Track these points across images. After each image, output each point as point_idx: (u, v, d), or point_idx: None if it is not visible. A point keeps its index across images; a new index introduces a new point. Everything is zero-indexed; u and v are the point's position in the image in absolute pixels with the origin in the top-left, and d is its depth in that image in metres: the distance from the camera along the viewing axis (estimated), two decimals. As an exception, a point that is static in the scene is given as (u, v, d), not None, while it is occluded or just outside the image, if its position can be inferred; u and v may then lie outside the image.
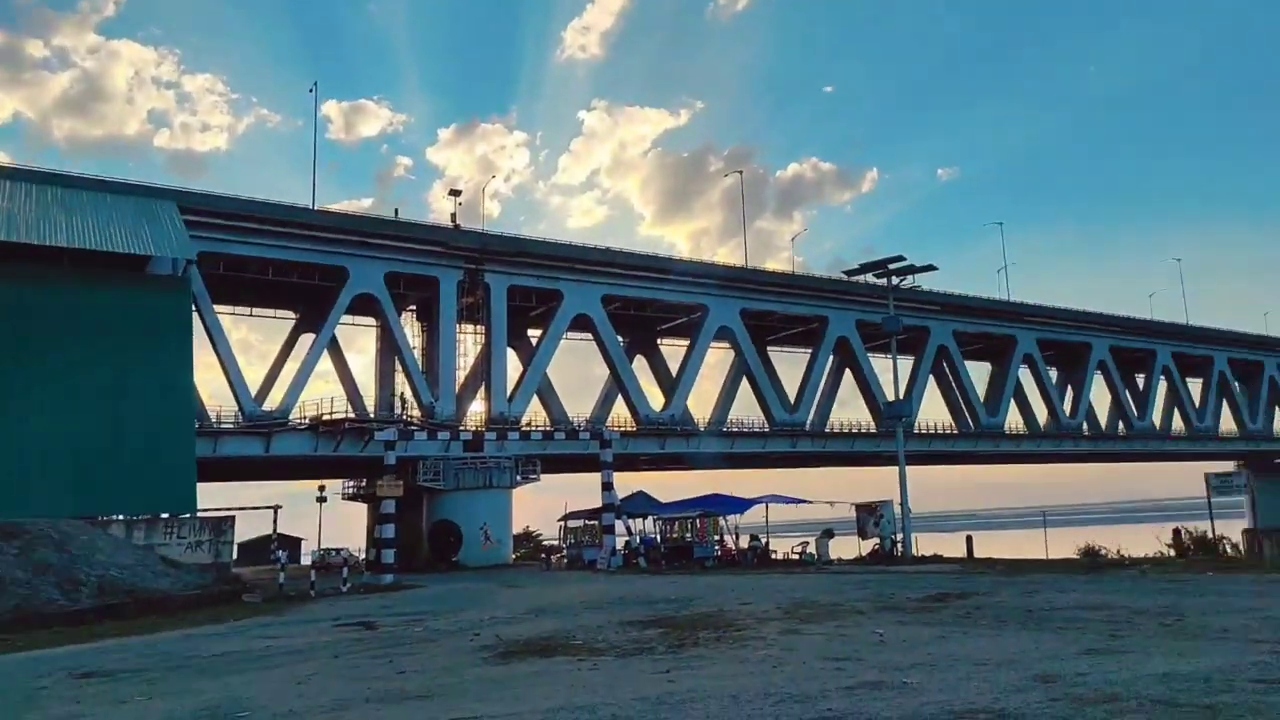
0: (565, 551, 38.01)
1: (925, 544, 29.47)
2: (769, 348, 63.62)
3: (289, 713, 8.22)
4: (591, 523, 35.66)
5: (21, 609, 16.63)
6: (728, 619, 13.12)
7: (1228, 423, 75.57)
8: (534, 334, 55.73)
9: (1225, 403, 75.34)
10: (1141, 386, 72.51)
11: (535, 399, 51.96)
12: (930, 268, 33.21)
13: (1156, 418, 71.85)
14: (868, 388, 60.73)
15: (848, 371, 62.54)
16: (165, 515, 29.50)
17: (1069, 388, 70.66)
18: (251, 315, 52.83)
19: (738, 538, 32.05)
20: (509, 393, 48.49)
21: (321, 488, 49.14)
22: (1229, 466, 79.50)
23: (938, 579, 18.81)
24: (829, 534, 28.83)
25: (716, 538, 31.06)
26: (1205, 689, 6.33)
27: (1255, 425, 74.54)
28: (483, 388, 49.82)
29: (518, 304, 50.78)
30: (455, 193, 53.42)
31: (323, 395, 50.68)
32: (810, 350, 60.88)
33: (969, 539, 27.05)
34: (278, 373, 50.47)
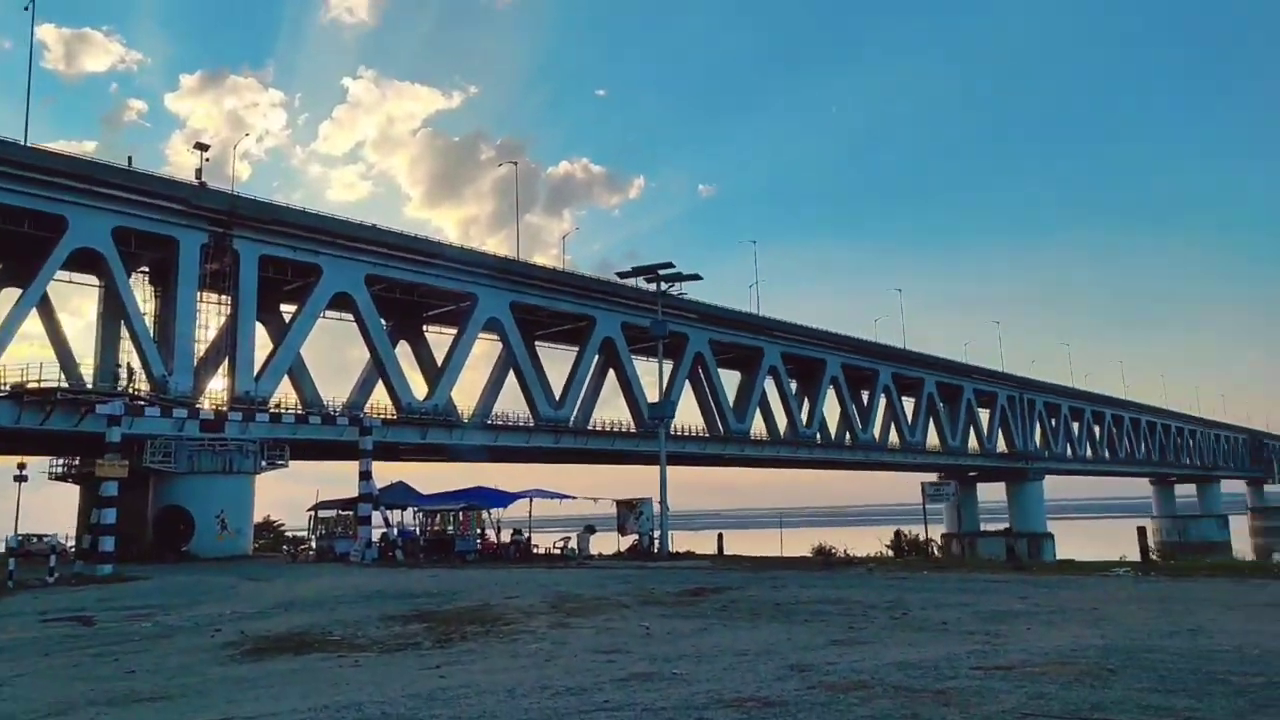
0: (314, 543, 35.80)
1: (679, 541, 30.90)
2: (537, 343, 63.82)
3: (-8, 720, 7.16)
4: (345, 513, 33.92)
5: None
6: (495, 613, 13.02)
7: (933, 438, 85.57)
8: (288, 310, 52.14)
9: (932, 421, 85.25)
10: (866, 402, 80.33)
11: (286, 380, 48.62)
12: (695, 277, 34.86)
13: (876, 431, 79.90)
14: (629, 388, 62.59)
15: (611, 371, 64.16)
16: None
17: (805, 400, 76.91)
18: (-59, 263, 45.17)
19: (499, 531, 31.81)
20: (256, 371, 45.03)
21: (22, 465, 43.06)
22: (932, 477, 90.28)
23: (693, 574, 19.79)
24: (590, 530, 29.41)
25: (479, 531, 30.62)
26: (936, 676, 7.14)
27: (954, 442, 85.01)
28: (226, 363, 45.89)
29: (270, 276, 47.19)
30: (201, 147, 48.44)
31: (29, 359, 44.23)
32: (577, 348, 61.78)
33: (720, 537, 28.70)
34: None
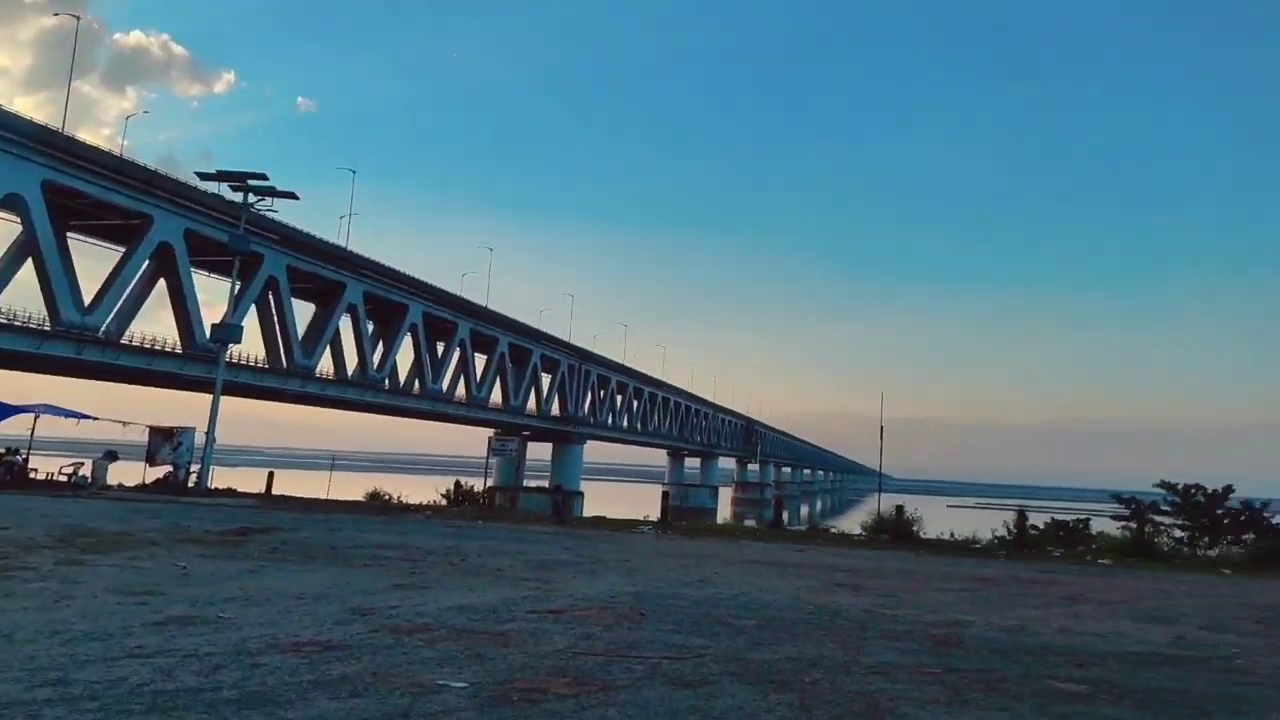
0: None
1: (220, 478, 28.15)
2: (71, 234, 53.84)
3: None
4: None
5: None
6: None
7: (497, 396, 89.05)
8: None
9: (499, 379, 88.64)
10: (441, 353, 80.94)
11: None
12: (291, 195, 32.06)
13: (446, 382, 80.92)
14: (183, 304, 55.72)
15: (163, 281, 56.52)
16: None
17: (380, 343, 75.28)
18: None
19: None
20: None
21: None
22: (491, 432, 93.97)
23: (237, 513, 18.24)
24: (111, 456, 25.44)
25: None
26: (496, 619, 7.53)
27: (516, 401, 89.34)
28: None
29: None
30: None
31: None
32: (124, 248, 53.33)
33: (270, 475, 26.66)
34: None
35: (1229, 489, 23.68)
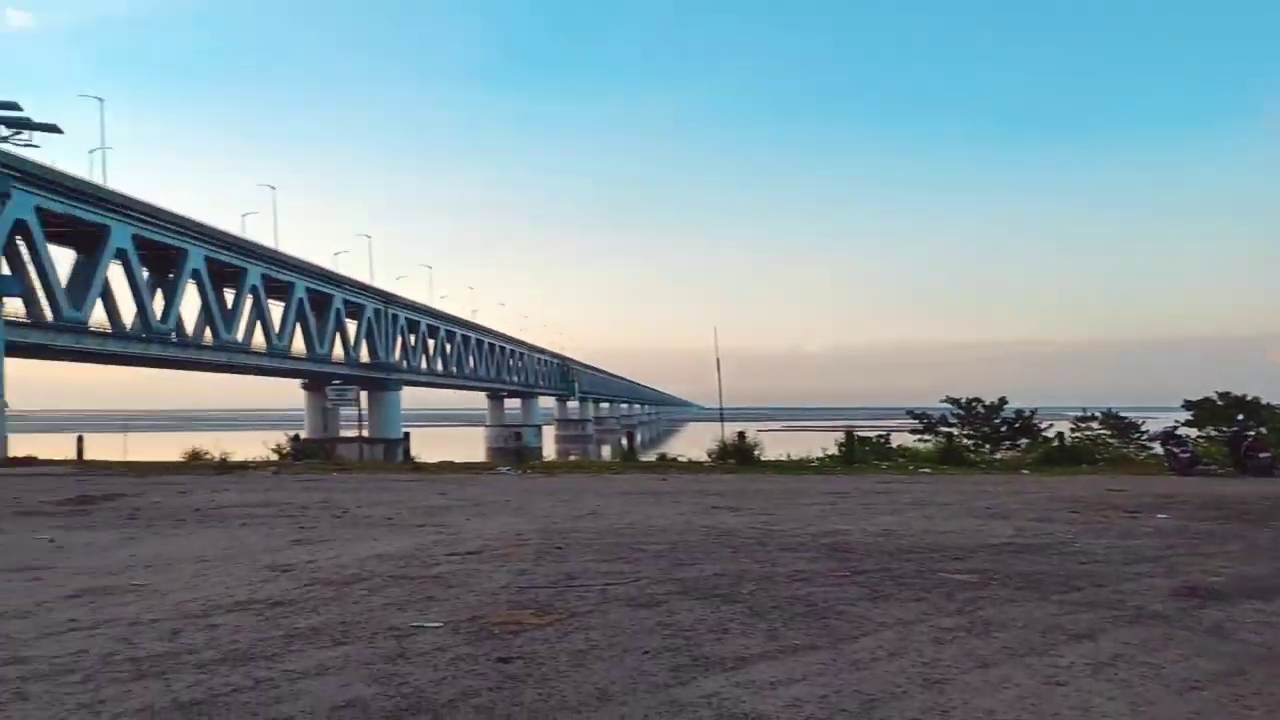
0: None
1: (18, 446, 25.19)
2: None
3: None
4: None
5: None
6: None
7: (299, 344, 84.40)
8: None
9: (299, 326, 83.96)
10: (231, 302, 75.44)
11: None
12: (53, 128, 28.54)
13: (240, 332, 75.69)
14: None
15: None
16: None
17: (160, 292, 69.15)
18: None
19: None
20: None
21: None
22: (297, 383, 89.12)
23: (61, 481, 16.58)
24: None
25: None
26: (422, 564, 7.62)
27: (321, 349, 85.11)
28: None
29: None
30: None
31: None
32: None
33: (80, 439, 24.12)
34: None
35: (1003, 400, 27.11)
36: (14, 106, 26.28)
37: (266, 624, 5.54)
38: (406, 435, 36.29)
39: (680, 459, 24.06)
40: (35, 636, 5.25)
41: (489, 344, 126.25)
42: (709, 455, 22.29)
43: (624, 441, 34.29)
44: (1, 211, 51.75)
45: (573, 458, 68.97)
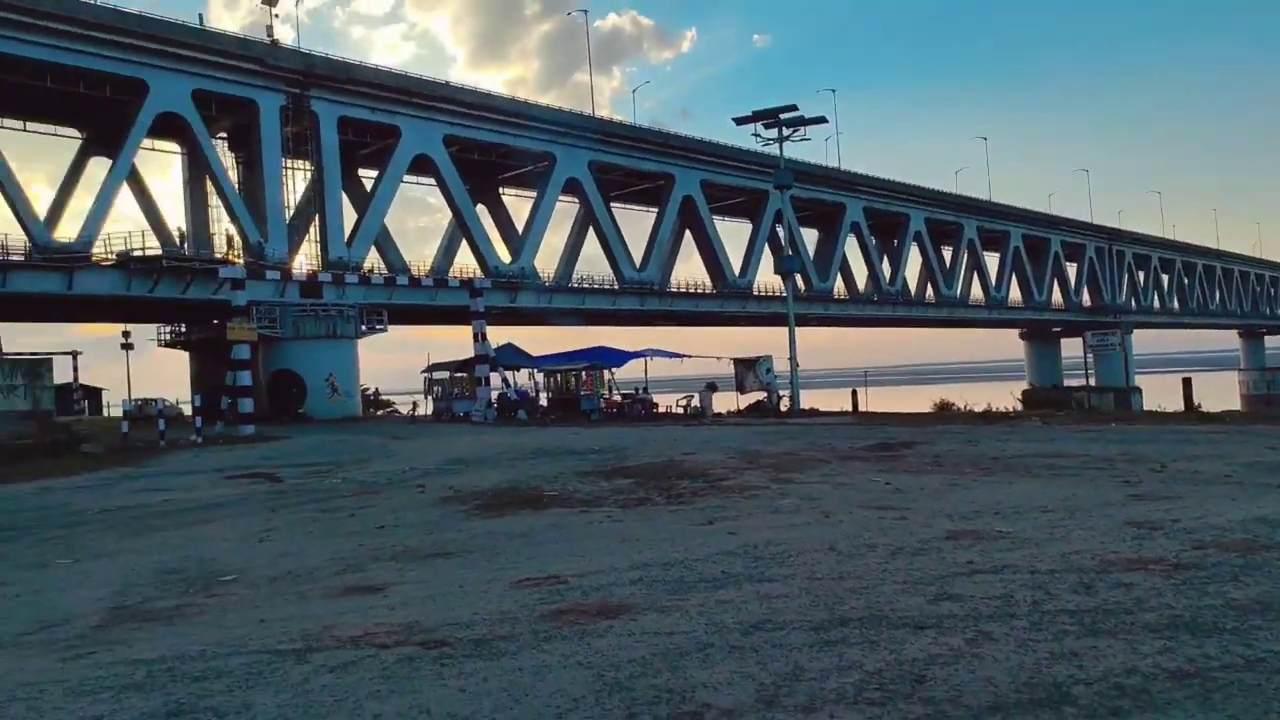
0: (432, 404, 36.16)
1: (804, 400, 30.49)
2: (612, 204, 62.37)
3: (287, 574, 6.87)
4: (459, 375, 34.07)
5: None
6: (694, 469, 12.60)
7: (1015, 293, 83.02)
8: (367, 176, 51.44)
9: (1015, 275, 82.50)
10: (949, 258, 77.83)
11: (369, 245, 48.38)
12: (821, 120, 32.81)
13: (959, 287, 77.70)
14: (709, 248, 61.29)
15: (688, 232, 62.79)
16: (-41, 357, 25.13)
17: (885, 257, 74.91)
18: (26, 130, 44.90)
19: (611, 391, 31.66)
20: (345, 237, 44.74)
21: (126, 334, 44.04)
22: (1014, 334, 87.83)
23: (849, 430, 19.26)
24: (712, 388, 29.03)
25: (604, 391, 30.51)
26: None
27: (1040, 297, 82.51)
28: (313, 229, 45.67)
29: (349, 138, 46.25)
30: (269, 1, 46.56)
31: (123, 228, 44.37)
32: (652, 209, 60.51)
33: (854, 393, 28.10)
34: (66, 200, 43.82)
35: None
36: (791, 109, 30.92)
37: (1188, 588, 5.09)
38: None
39: None
40: (947, 574, 5.70)
41: (1239, 273, 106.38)
42: None
43: None
44: (765, 206, 62.31)
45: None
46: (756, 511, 8.81)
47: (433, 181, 51.13)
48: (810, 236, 70.23)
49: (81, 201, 42.05)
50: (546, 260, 56.81)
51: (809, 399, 30.29)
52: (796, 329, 31.76)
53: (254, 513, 10.43)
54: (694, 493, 10.34)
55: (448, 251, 54.57)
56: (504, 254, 52.82)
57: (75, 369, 37.39)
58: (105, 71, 38.05)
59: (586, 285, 54.88)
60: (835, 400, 32.91)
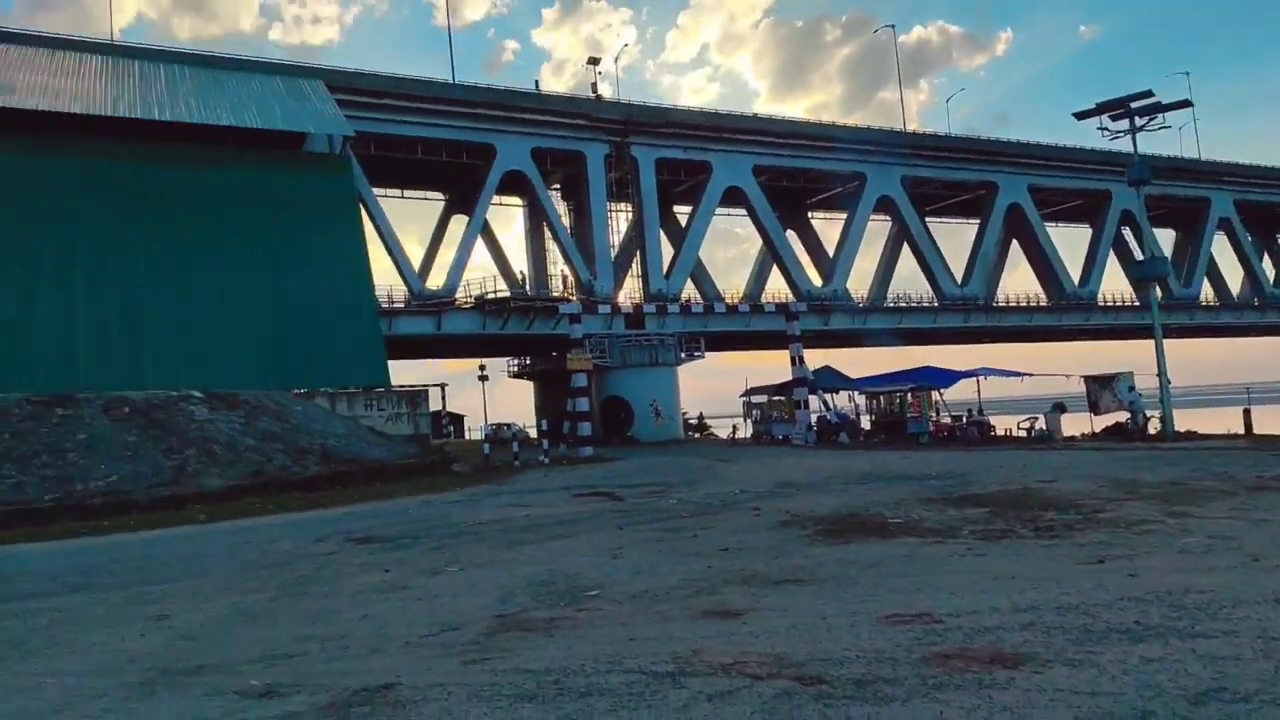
0: (751, 427, 36.62)
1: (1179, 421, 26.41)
2: (926, 219, 59.34)
3: (644, 592, 6.94)
4: (777, 398, 34.12)
5: (259, 474, 16.48)
6: (1058, 498, 11.24)
7: None
8: (680, 211, 53.61)
9: None
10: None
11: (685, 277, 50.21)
12: (1185, 103, 28.63)
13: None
14: (1041, 258, 56.13)
15: (1015, 242, 58.01)
16: (360, 388, 29.67)
17: (1265, 255, 63.82)
18: (404, 198, 52.49)
19: (938, 413, 29.75)
20: (664, 270, 46.86)
21: (482, 366, 49.48)
22: None
23: (1253, 455, 16.28)
24: (1060, 408, 26.22)
25: (932, 413, 28.85)
26: None
27: None
28: (635, 265, 48.41)
29: (664, 178, 48.52)
30: (594, 61, 50.58)
31: (479, 275, 50.13)
32: (973, 220, 56.66)
33: (1247, 413, 23.77)
34: (434, 254, 50.51)
35: None
36: (1147, 94, 27.42)
37: None
38: None
39: None
40: None
41: None
42: None
43: None
44: (1108, 207, 55.93)
45: None
46: (1156, 550, 7.55)
47: (743, 211, 52.06)
48: (1165, 238, 61.77)
49: (445, 255, 48.08)
50: (856, 282, 55.26)
51: (1182, 421, 26.18)
52: (1148, 341, 27.55)
53: (604, 529, 10.89)
54: (1066, 525, 9.15)
55: (758, 278, 55.10)
56: (814, 277, 52.33)
57: (443, 398, 43.08)
58: (462, 140, 43.34)
59: (903, 304, 52.57)
60: (1213, 421, 28.23)
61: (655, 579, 7.46)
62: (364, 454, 19.41)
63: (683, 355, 41.81)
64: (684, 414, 44.38)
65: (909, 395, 28.85)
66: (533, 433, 43.92)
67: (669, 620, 5.95)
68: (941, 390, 28.92)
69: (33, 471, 14.71)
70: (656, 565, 8.15)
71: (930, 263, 52.95)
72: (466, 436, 47.33)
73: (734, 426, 36.93)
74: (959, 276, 54.89)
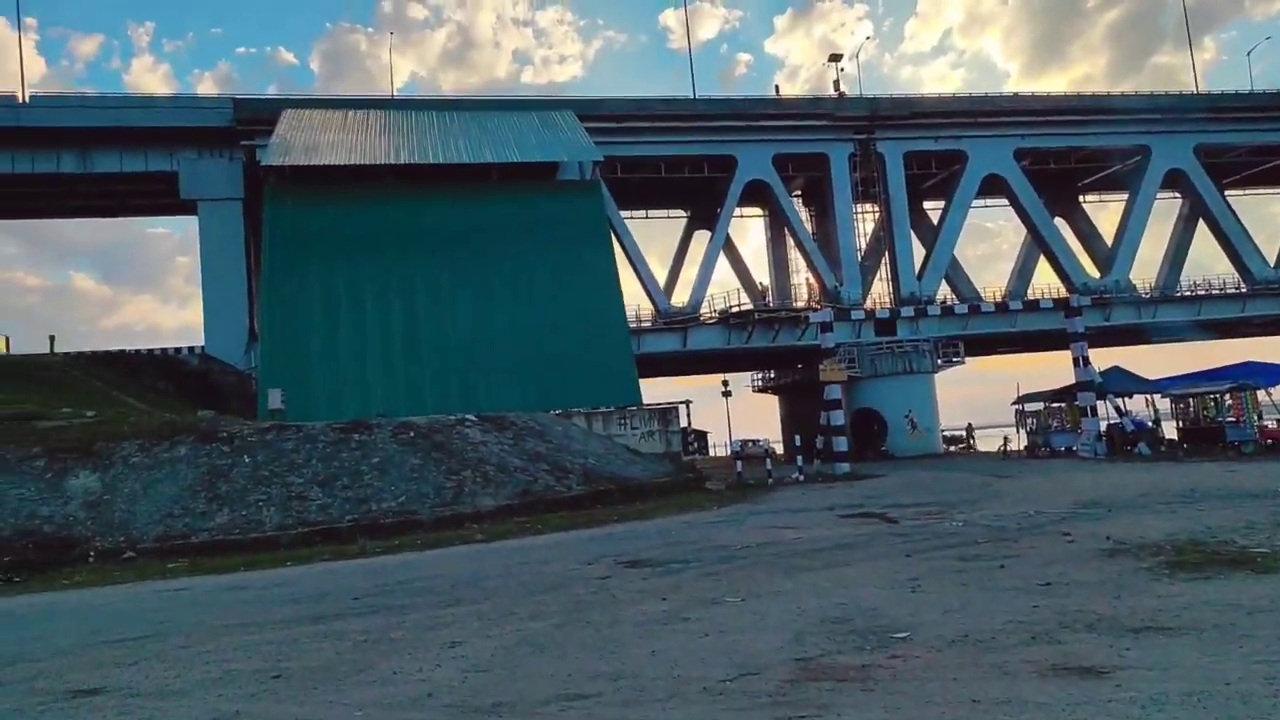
0: (1024, 438, 33.36)
1: None
2: (1227, 192, 51.74)
3: (964, 636, 5.94)
4: (1057, 405, 30.84)
5: (527, 493, 16.98)
6: None
7: None
8: (929, 206, 50.56)
9: None
10: None
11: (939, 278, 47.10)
12: None
13: None
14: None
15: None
16: (613, 407, 30.41)
17: None
18: (648, 218, 53.68)
19: (1260, 416, 25.24)
20: (915, 270, 44.28)
21: (725, 381, 49.27)
22: None
23: None
24: None
25: (1257, 418, 24.60)
26: None
27: None
28: (883, 268, 46.21)
29: (912, 172, 45.90)
30: (835, 58, 49.03)
31: (721, 289, 50.14)
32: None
33: None
34: (678, 271, 51.14)
35: None
36: None
37: None
38: None
39: None
40: None
41: None
42: None
43: None
44: None
45: None
46: None
47: (1002, 201, 48.19)
48: None
49: (689, 271, 48.48)
50: (1139, 271, 49.21)
51: None
52: None
53: (887, 556, 9.88)
54: None
55: (1021, 273, 50.65)
56: (1089, 268, 47.25)
57: (689, 415, 43.01)
58: (703, 155, 43.58)
59: (1201, 291, 46.07)
60: None
61: (972, 620, 6.42)
62: (621, 472, 19.52)
63: (939, 361, 39.11)
64: (945, 427, 41.49)
65: (1226, 397, 24.78)
66: (778, 448, 42.92)
67: (1011, 676, 4.94)
68: (1270, 390, 24.58)
69: (336, 493, 16.02)
70: (967, 603, 7.08)
71: (1235, 241, 46.16)
72: (711, 453, 47.23)
73: (1004, 438, 33.75)
74: (1271, 257, 47.39)
